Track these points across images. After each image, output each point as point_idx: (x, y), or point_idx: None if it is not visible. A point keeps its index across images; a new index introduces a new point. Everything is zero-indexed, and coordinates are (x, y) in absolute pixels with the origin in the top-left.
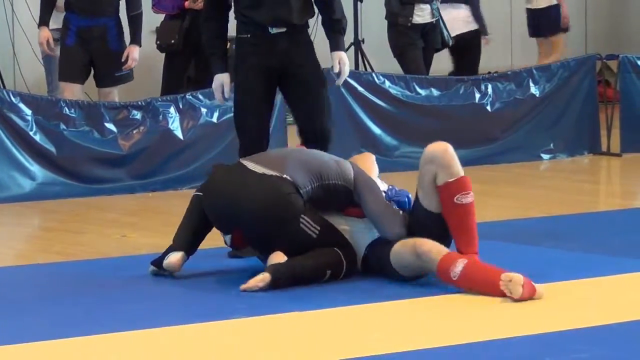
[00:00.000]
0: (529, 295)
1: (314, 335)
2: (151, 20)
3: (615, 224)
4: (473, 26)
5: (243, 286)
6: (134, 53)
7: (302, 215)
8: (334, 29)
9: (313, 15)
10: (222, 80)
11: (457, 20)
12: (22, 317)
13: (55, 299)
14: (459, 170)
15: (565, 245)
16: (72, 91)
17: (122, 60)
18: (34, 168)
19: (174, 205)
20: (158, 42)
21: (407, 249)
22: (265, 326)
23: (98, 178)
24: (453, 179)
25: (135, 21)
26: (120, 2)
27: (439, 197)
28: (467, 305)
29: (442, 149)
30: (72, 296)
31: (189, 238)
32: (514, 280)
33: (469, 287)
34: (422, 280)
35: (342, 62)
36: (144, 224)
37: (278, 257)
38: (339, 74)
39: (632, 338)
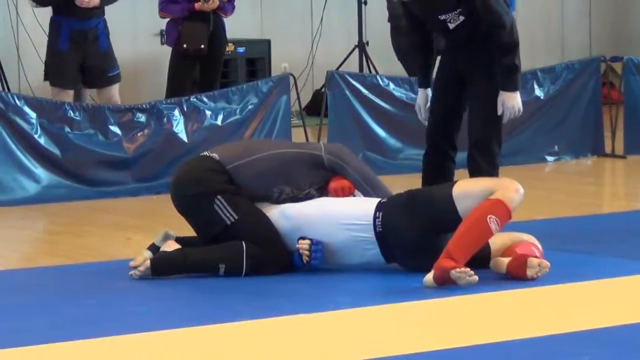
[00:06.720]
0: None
1: (319, 338)
2: (155, 22)
3: (619, 226)
4: None
5: (130, 272)
6: None
7: (218, 196)
8: (499, 68)
9: None
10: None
11: None
12: (26, 320)
13: (60, 302)
14: (515, 206)
15: (569, 248)
16: (64, 98)
17: None
18: (39, 171)
19: None
20: (185, 46)
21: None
22: (270, 329)
23: (102, 181)
24: (504, 202)
25: None
26: None
27: (477, 205)
28: (470, 307)
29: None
30: (76, 299)
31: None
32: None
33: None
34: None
35: (503, 104)
36: (148, 226)
37: (168, 246)
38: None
39: (636, 341)
